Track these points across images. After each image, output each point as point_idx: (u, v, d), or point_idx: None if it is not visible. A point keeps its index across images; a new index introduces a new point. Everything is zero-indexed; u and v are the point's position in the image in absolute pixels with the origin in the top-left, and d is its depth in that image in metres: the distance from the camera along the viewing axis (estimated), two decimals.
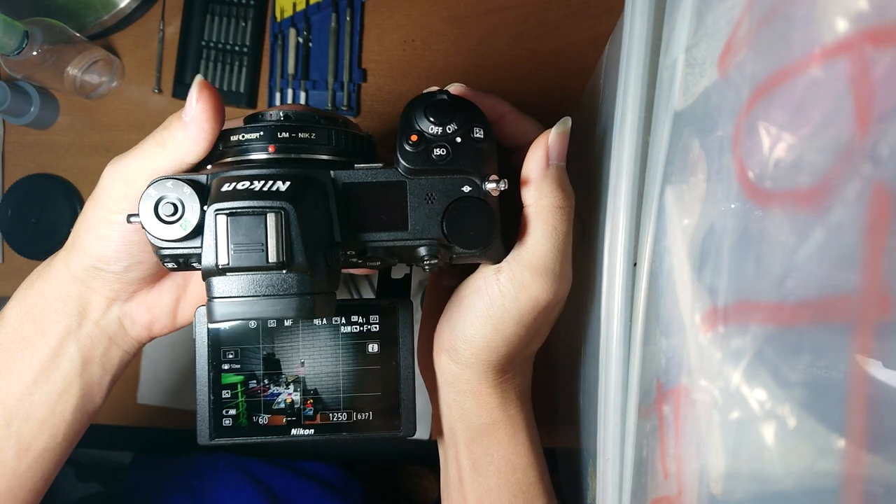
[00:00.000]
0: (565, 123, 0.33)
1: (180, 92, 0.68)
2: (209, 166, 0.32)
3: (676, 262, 0.28)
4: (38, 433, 0.36)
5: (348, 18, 0.67)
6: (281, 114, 0.32)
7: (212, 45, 0.68)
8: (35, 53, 0.58)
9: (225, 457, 0.65)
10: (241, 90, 0.67)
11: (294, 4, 0.68)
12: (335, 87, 0.67)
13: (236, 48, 0.68)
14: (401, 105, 0.71)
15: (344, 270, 0.39)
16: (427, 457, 0.72)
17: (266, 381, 0.36)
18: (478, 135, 0.31)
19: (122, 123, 0.70)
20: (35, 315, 0.36)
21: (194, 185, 0.30)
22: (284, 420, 0.36)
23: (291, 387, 0.36)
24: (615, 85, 0.33)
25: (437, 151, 0.30)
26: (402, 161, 0.31)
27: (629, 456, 0.32)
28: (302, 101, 0.67)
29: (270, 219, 0.27)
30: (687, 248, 0.27)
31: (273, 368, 0.36)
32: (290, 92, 0.67)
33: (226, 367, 0.36)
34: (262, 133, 0.31)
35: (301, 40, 0.68)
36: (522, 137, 0.35)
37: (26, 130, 0.70)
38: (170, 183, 0.30)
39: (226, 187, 0.29)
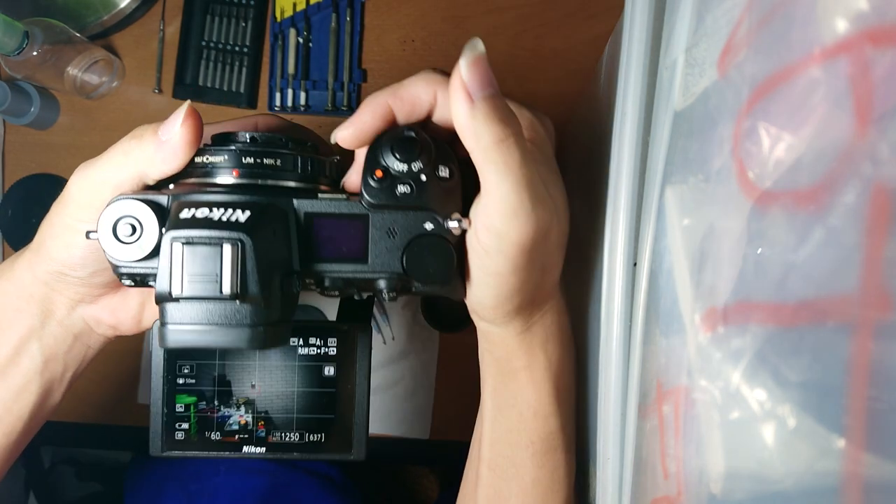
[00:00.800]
0: (474, 47, 0.28)
1: (180, 92, 0.68)
2: (171, 185, 0.32)
3: (676, 262, 0.28)
4: None
5: (348, 18, 0.67)
6: (248, 136, 0.32)
7: (212, 45, 0.68)
8: (35, 53, 0.59)
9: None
10: (241, 90, 0.67)
11: (294, 4, 0.68)
12: (335, 87, 0.67)
13: (236, 48, 0.68)
14: None
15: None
16: (427, 457, 0.72)
17: (216, 403, 0.36)
18: (443, 174, 0.31)
19: (122, 123, 0.70)
20: None
21: (154, 206, 0.30)
22: (237, 437, 0.36)
23: (243, 408, 0.36)
24: (615, 85, 0.33)
25: (402, 189, 0.30)
26: (365, 195, 0.30)
27: (629, 456, 0.32)
28: (302, 102, 0.67)
29: (227, 250, 0.27)
30: (687, 248, 0.27)
31: (224, 390, 0.36)
32: (290, 92, 0.67)
33: (181, 381, 0.36)
34: (226, 157, 0.30)
35: (301, 40, 0.68)
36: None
37: (26, 130, 0.70)
38: (129, 203, 0.30)
39: (184, 213, 0.29)
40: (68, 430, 0.68)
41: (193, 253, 0.27)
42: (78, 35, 0.63)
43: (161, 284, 0.28)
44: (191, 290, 0.27)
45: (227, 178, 0.30)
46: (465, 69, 0.28)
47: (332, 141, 0.32)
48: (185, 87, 0.68)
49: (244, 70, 0.67)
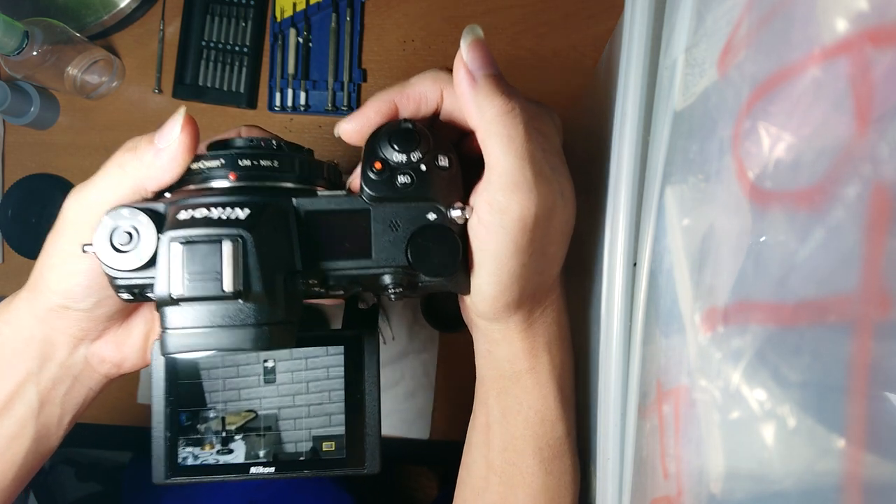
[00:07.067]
0: (473, 31, 0.30)
1: (180, 92, 0.68)
2: (168, 194, 0.31)
3: (676, 262, 0.28)
4: None
5: (348, 18, 0.67)
6: (244, 140, 0.31)
7: (212, 45, 0.68)
8: (35, 53, 0.58)
9: None
10: (241, 90, 0.67)
11: (294, 4, 0.68)
12: (335, 87, 0.67)
13: (236, 48, 0.68)
14: None
15: (307, 301, 0.39)
16: (427, 456, 0.72)
17: (221, 424, 0.35)
18: (443, 163, 0.30)
19: (122, 123, 0.70)
20: None
21: (151, 213, 0.29)
22: (244, 458, 0.34)
23: (249, 427, 0.35)
24: (615, 85, 0.33)
25: (402, 179, 0.29)
26: (366, 189, 0.30)
27: (629, 456, 0.32)
28: (302, 102, 0.67)
29: (227, 247, 0.26)
30: (687, 248, 0.27)
31: (229, 408, 0.35)
32: (290, 92, 0.67)
33: (183, 402, 0.34)
34: (223, 161, 0.30)
35: (301, 40, 0.68)
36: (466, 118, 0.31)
37: (26, 130, 0.70)
38: (126, 211, 0.29)
39: (182, 215, 0.28)
40: None
41: (193, 252, 0.26)
42: (78, 35, 0.63)
43: (161, 287, 0.27)
44: (192, 289, 0.26)
45: (224, 182, 0.30)
46: (465, 51, 0.29)
47: (336, 134, 0.32)
48: (185, 87, 0.68)
49: (244, 70, 0.67)
